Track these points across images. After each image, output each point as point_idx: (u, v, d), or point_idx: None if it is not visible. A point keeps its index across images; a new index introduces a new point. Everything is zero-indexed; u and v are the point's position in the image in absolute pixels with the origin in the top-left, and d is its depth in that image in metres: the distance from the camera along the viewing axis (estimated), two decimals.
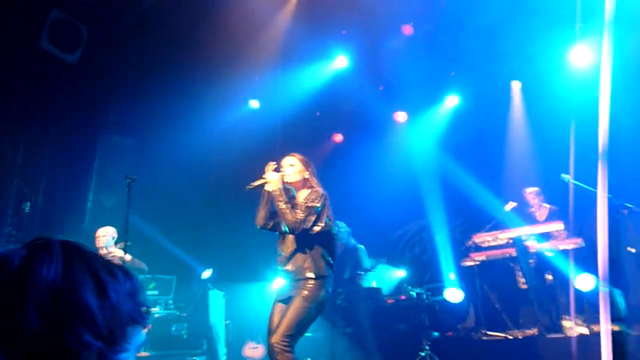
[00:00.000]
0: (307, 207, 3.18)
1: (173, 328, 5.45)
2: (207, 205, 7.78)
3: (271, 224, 3.31)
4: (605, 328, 2.32)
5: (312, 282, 3.04)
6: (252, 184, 3.27)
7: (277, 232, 3.35)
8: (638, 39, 5.58)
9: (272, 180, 3.23)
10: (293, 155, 3.51)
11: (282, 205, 3.14)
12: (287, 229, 3.16)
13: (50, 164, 6.41)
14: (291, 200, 3.25)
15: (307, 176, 3.40)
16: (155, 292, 6.27)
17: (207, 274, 6.79)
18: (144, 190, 5.32)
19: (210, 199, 7.73)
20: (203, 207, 7.76)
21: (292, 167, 3.42)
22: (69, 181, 6.62)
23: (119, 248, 5.12)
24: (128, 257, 5.33)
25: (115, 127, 7.37)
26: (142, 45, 6.49)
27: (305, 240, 3.16)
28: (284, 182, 3.29)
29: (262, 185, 3.30)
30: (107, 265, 0.67)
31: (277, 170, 3.36)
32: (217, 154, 7.48)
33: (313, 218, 3.14)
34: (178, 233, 7.28)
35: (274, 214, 3.28)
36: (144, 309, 0.69)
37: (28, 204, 5.78)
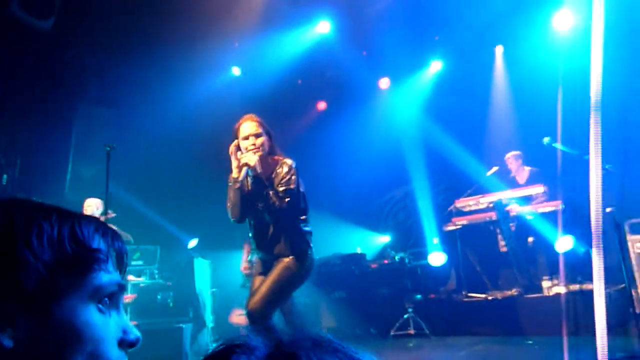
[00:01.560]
0: (288, 190, 2.91)
1: (159, 297, 5.48)
2: (191, 174, 7.73)
3: (248, 215, 3.03)
4: (599, 286, 2.40)
5: (296, 256, 2.96)
6: (238, 177, 2.90)
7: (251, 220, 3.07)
8: None
9: (253, 165, 2.88)
10: (254, 119, 3.03)
11: (268, 193, 2.87)
12: (272, 217, 2.94)
13: (26, 135, 6.26)
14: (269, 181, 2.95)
15: (273, 144, 3.05)
16: (140, 262, 6.27)
17: (193, 243, 6.80)
18: (125, 161, 5.25)
19: (192, 167, 7.67)
20: (186, 176, 7.70)
21: (260, 137, 2.99)
22: (47, 153, 6.48)
23: (103, 219, 5.07)
24: (113, 227, 5.31)
25: (93, 96, 7.19)
26: (119, 12, 6.27)
27: (280, 221, 2.96)
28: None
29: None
30: (62, 212, 0.65)
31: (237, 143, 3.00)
32: (198, 122, 7.38)
33: (293, 200, 2.92)
34: (161, 202, 7.24)
35: (247, 203, 2.98)
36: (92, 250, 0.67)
37: (5, 176, 5.67)
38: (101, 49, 6.64)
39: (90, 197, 5.56)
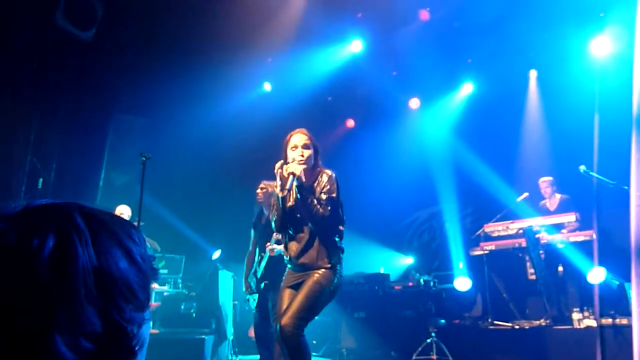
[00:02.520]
0: (330, 199, 2.99)
1: (182, 306, 5.51)
2: (218, 186, 7.82)
3: (289, 225, 3.12)
4: (637, 322, 2.31)
5: (326, 270, 2.97)
6: (286, 187, 2.97)
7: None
8: None
9: (298, 174, 2.95)
10: (304, 133, 3.16)
11: (312, 202, 2.94)
12: (313, 225, 2.99)
13: (62, 141, 6.44)
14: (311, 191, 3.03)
15: (317, 157, 3.14)
16: (165, 271, 6.34)
17: (217, 254, 6.84)
18: (155, 170, 5.33)
19: (221, 179, 7.76)
20: (214, 188, 7.79)
21: (308, 150, 3.10)
22: (81, 159, 6.66)
23: None
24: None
25: (128, 106, 7.38)
26: (156, 25, 6.45)
27: (319, 229, 3.01)
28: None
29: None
30: (124, 227, 0.65)
31: (284, 153, 3.10)
32: (229, 136, 7.49)
33: (334, 209, 2.99)
34: (188, 213, 7.33)
35: (289, 213, 3.07)
36: (154, 265, 0.68)
37: (41, 180, 5.83)
38: (138, 60, 6.82)
39: (121, 204, 5.67)
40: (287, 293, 3.04)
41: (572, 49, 6.71)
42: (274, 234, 4.03)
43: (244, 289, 4.43)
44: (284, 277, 3.18)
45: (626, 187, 3.36)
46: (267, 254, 4.11)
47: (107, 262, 0.59)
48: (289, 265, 3.17)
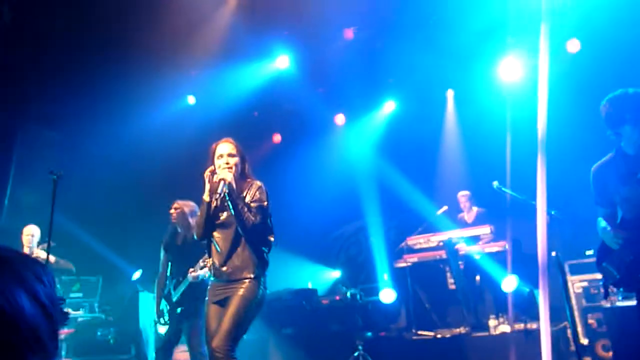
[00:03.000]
0: (260, 207, 3.02)
1: (99, 333, 5.17)
2: (139, 203, 7.45)
3: (211, 233, 3.11)
4: (545, 326, 2.48)
5: (250, 281, 2.94)
6: (217, 192, 2.96)
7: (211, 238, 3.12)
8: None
9: (229, 180, 2.95)
10: (230, 142, 3.17)
11: (242, 209, 2.94)
12: (242, 233, 2.98)
13: None
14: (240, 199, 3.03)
15: (245, 167, 3.17)
16: (80, 295, 5.93)
17: (137, 275, 6.50)
18: (69, 186, 4.99)
19: (141, 196, 7.41)
20: (134, 205, 7.42)
21: (234, 157, 3.12)
22: None
23: (41, 249, 4.79)
24: (52, 258, 5.03)
25: (38, 116, 6.86)
26: (72, 30, 6.06)
27: (244, 239, 3.01)
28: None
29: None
30: (31, 267, 0.59)
31: (212, 162, 3.10)
32: (150, 150, 7.19)
33: (263, 218, 3.02)
34: (105, 232, 6.91)
35: (211, 221, 3.08)
36: (64, 307, 0.62)
37: None
38: (51, 66, 6.37)
39: (29, 223, 5.24)
40: (213, 310, 2.99)
41: (483, 71, 7.17)
42: (201, 260, 3.92)
43: (155, 314, 4.24)
44: (208, 290, 3.12)
45: (533, 202, 3.62)
46: (189, 279, 3.97)
47: (10, 306, 0.53)
48: (211, 278, 3.12)
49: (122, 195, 7.20)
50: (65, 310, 0.61)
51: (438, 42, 6.53)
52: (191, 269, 3.95)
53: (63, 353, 4.98)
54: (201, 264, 3.89)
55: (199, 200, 3.25)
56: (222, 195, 2.99)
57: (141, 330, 5.21)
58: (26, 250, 5.17)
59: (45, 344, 0.55)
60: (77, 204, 6.32)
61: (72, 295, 5.84)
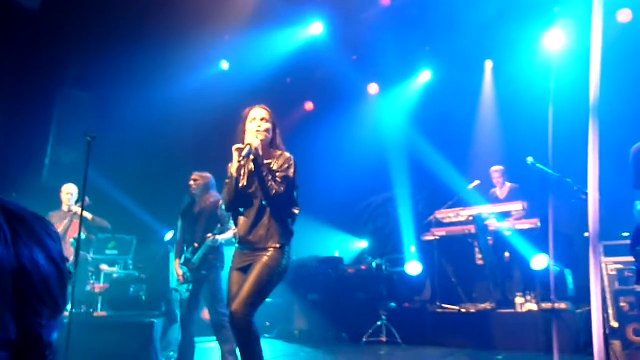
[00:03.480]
0: (286, 177, 2.97)
1: (132, 289, 5.36)
2: (172, 166, 7.59)
3: (240, 203, 3.05)
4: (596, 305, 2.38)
5: (275, 250, 2.96)
6: (241, 156, 2.87)
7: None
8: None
9: (256, 145, 2.89)
10: (264, 108, 3.10)
11: (267, 176, 2.90)
12: (266, 201, 2.95)
13: (6, 117, 6.08)
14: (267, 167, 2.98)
15: (276, 136, 3.10)
16: (115, 252, 6.14)
17: (169, 235, 6.69)
18: (105, 147, 5.13)
19: (174, 159, 7.54)
20: (167, 168, 7.57)
21: (267, 123, 3.05)
22: (26, 136, 6.31)
23: (79, 207, 4.97)
24: (89, 215, 5.22)
25: (76, 80, 7.02)
26: None
27: (270, 208, 2.98)
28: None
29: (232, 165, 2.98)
30: (42, 224, 0.60)
31: (243, 126, 3.03)
32: (183, 114, 7.28)
33: (288, 189, 2.97)
34: (140, 193, 7.10)
35: (240, 193, 3.02)
36: (70, 267, 0.64)
37: None
38: (87, 32, 6.47)
39: (68, 182, 5.43)
40: (235, 276, 3.02)
41: (526, 41, 6.88)
42: (218, 224, 4.01)
43: (175, 278, 4.39)
44: (232, 258, 3.16)
45: (569, 180, 3.50)
46: (208, 243, 4.08)
47: (28, 262, 0.55)
48: (237, 245, 3.14)
49: (154, 158, 7.35)
50: (70, 269, 0.63)
51: (479, 11, 6.27)
52: (209, 234, 4.06)
53: (99, 306, 5.22)
54: (218, 228, 4.02)
55: (223, 169, 3.24)
56: (245, 159, 2.94)
57: (172, 289, 5.39)
58: (64, 208, 5.38)
59: (56, 299, 0.57)
60: (114, 166, 6.50)
61: (107, 252, 6.06)
